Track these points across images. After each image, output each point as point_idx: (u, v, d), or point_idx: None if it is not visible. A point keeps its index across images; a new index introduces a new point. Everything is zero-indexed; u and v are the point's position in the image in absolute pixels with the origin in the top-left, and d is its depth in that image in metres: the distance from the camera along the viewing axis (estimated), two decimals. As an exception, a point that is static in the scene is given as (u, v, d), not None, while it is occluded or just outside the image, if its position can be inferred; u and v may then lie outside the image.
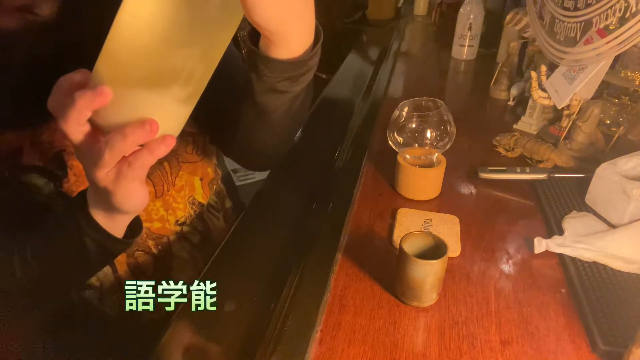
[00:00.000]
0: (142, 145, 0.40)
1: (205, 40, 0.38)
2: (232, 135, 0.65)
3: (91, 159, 0.40)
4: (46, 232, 0.51)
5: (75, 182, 0.56)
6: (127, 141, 0.38)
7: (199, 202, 0.70)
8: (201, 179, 0.69)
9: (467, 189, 0.71)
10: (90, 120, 0.40)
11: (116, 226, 0.49)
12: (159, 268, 0.66)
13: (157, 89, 0.38)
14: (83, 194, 0.48)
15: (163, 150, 0.40)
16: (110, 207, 0.45)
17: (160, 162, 0.63)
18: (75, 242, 0.48)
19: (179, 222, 0.67)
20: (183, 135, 0.65)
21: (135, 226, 0.53)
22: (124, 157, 0.40)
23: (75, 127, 0.39)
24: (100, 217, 0.47)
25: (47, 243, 0.51)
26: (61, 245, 0.51)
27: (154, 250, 0.65)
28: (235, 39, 0.42)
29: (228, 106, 0.59)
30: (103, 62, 0.38)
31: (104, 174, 0.41)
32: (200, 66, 0.40)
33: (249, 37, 0.46)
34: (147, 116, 0.38)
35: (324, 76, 2.08)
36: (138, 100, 0.38)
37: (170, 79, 0.38)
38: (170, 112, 0.40)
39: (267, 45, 0.44)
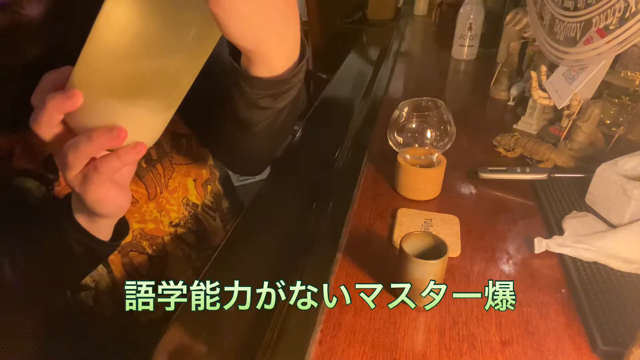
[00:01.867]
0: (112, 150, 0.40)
1: (181, 53, 0.38)
2: (218, 142, 0.65)
3: (60, 161, 0.40)
4: (35, 235, 0.51)
5: (67, 186, 0.56)
6: (92, 145, 0.38)
7: (193, 203, 0.70)
8: (194, 180, 0.69)
9: (467, 189, 0.71)
10: (65, 123, 0.40)
11: (99, 229, 0.49)
12: (154, 267, 0.66)
13: (130, 96, 0.38)
14: (68, 196, 0.48)
15: (132, 157, 0.40)
16: (88, 210, 0.45)
17: (153, 164, 0.63)
18: (62, 245, 0.48)
19: (173, 224, 0.67)
20: (175, 137, 0.65)
21: (123, 228, 0.52)
22: (92, 161, 0.40)
23: (46, 129, 0.39)
24: (82, 219, 0.47)
25: (35, 245, 0.51)
26: (49, 248, 0.51)
27: (149, 250, 0.65)
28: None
29: (216, 107, 0.58)
30: (79, 67, 0.38)
31: (72, 177, 0.41)
32: (177, 78, 0.39)
33: (231, 53, 0.45)
34: (118, 123, 0.38)
35: (324, 76, 2.09)
36: (110, 106, 0.38)
37: (144, 88, 0.38)
38: (143, 121, 0.40)
39: (247, 63, 0.43)
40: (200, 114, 0.61)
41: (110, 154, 0.40)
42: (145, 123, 0.40)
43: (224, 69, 0.48)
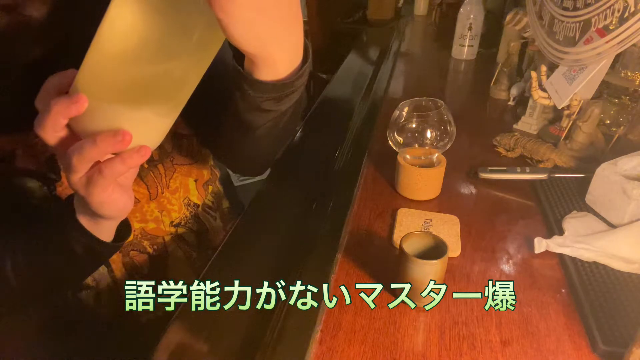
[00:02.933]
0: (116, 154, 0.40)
1: (185, 57, 0.38)
2: (220, 143, 0.65)
3: (64, 164, 0.41)
4: (37, 235, 0.51)
5: (69, 186, 0.56)
6: (97, 149, 0.38)
7: (194, 203, 0.70)
8: (195, 180, 0.69)
9: (467, 189, 0.71)
10: (70, 127, 0.40)
11: (102, 230, 0.49)
12: (154, 267, 0.66)
13: (135, 101, 0.38)
14: (71, 198, 0.48)
15: (137, 161, 0.40)
16: (91, 212, 0.45)
17: (154, 164, 0.63)
18: (64, 246, 0.49)
19: (174, 224, 0.67)
20: (177, 138, 0.65)
21: (125, 229, 0.53)
22: (97, 164, 0.40)
23: (51, 133, 0.39)
24: (85, 221, 0.48)
25: (37, 246, 0.51)
26: (51, 249, 0.51)
27: (150, 250, 0.65)
28: None
29: (218, 109, 0.58)
30: (83, 71, 0.38)
31: (77, 180, 0.41)
32: (181, 81, 0.39)
33: (234, 56, 0.45)
34: (122, 126, 0.38)
35: (324, 76, 2.09)
36: (114, 110, 0.38)
37: (148, 92, 0.38)
38: (147, 124, 0.40)
39: (251, 66, 0.44)
40: (203, 116, 0.61)
41: (114, 158, 0.40)
42: (149, 126, 0.41)
43: (227, 72, 0.48)
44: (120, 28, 0.35)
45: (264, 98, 0.46)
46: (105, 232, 0.49)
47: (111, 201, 0.43)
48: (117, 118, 0.38)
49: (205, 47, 0.39)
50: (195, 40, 0.37)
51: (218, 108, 0.57)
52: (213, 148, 0.71)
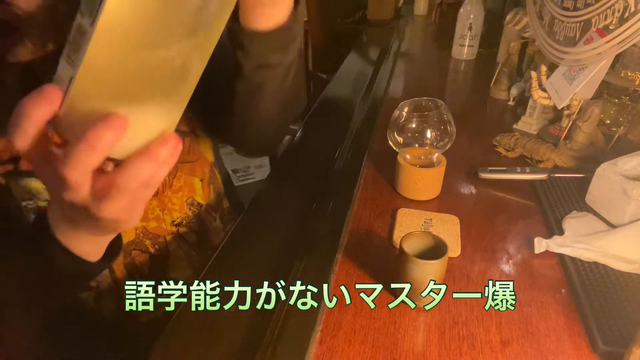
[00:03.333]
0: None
1: (197, 32, 0.36)
2: (228, 121, 0.64)
3: (56, 187, 0.32)
4: (34, 243, 0.49)
5: (73, 209, 0.53)
6: (94, 149, 0.30)
7: (198, 203, 0.69)
8: (201, 180, 0.69)
9: (467, 189, 0.71)
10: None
11: (100, 248, 0.45)
12: (155, 267, 0.66)
13: (142, 94, 0.35)
14: (45, 218, 0.41)
15: (171, 153, 0.35)
16: (88, 230, 0.40)
17: None
18: (53, 268, 0.44)
19: (175, 223, 0.67)
20: (178, 135, 0.64)
21: (115, 243, 0.47)
22: (98, 174, 0.32)
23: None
24: (77, 243, 0.42)
25: (28, 263, 0.46)
26: (40, 268, 0.45)
27: (151, 250, 0.65)
28: None
29: (220, 91, 0.58)
30: (83, 74, 0.32)
31: (119, 207, 0.33)
32: (189, 65, 0.38)
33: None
34: (132, 126, 0.34)
35: (324, 76, 2.09)
36: (123, 110, 0.33)
37: (155, 82, 0.35)
38: (159, 118, 0.37)
39: (248, 19, 0.44)
40: (209, 98, 0.59)
41: (139, 157, 0.33)
42: (161, 119, 0.38)
43: (226, 55, 0.47)
44: (120, 12, 0.31)
45: (267, 49, 0.47)
46: (100, 249, 0.45)
47: (139, 211, 0.37)
48: (129, 118, 0.34)
49: (217, 21, 0.37)
50: (205, 16, 0.36)
51: (224, 84, 0.56)
52: (222, 130, 0.69)
